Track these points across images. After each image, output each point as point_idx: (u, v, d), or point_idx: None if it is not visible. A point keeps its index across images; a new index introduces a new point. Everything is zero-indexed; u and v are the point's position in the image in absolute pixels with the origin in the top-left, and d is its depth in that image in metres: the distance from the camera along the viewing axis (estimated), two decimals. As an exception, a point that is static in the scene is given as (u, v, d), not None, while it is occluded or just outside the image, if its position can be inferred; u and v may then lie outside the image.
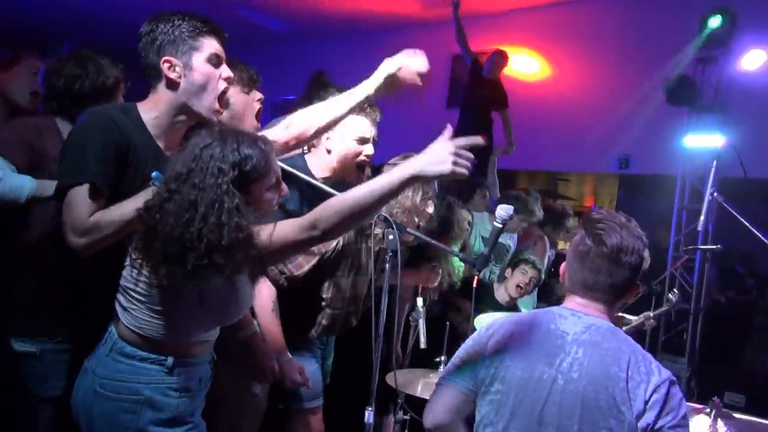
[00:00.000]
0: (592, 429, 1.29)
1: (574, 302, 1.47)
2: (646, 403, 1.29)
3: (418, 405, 2.32)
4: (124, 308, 1.45)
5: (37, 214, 1.75)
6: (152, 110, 1.58)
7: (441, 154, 1.32)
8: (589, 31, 5.90)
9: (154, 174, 1.46)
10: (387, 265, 1.72)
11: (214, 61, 1.59)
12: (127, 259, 1.44)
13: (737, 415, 2.14)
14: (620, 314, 3.29)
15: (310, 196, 1.95)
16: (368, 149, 2.13)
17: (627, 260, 1.39)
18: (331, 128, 1.95)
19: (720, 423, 1.98)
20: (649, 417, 1.28)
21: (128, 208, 1.42)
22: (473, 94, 5.12)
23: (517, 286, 3.29)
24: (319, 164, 2.13)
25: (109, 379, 1.42)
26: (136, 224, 1.37)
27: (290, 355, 1.97)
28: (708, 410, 2.11)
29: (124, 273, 1.46)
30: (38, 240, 1.76)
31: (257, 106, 2.04)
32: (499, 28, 6.29)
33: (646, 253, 1.45)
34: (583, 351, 1.37)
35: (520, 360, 1.40)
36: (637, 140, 5.39)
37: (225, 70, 1.62)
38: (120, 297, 1.47)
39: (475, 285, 2.06)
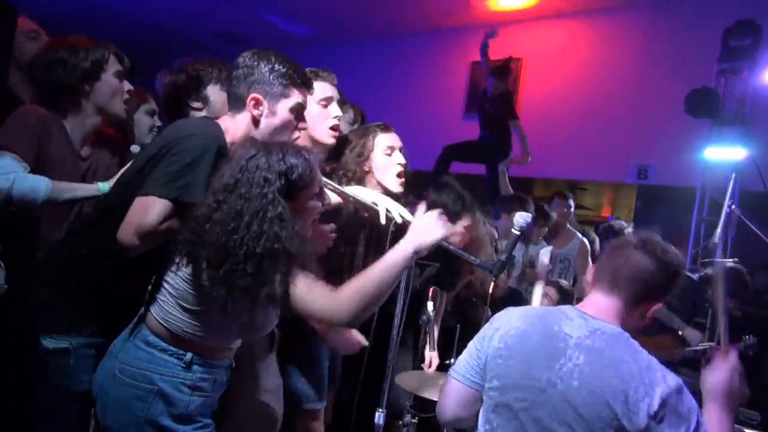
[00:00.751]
0: None
1: (589, 301, 1.46)
2: (653, 417, 1.24)
3: (426, 407, 2.34)
4: (156, 299, 1.51)
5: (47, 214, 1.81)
6: (229, 134, 1.68)
7: (429, 224, 1.51)
8: (613, 40, 5.88)
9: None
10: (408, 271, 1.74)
11: (297, 111, 1.73)
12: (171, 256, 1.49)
13: (748, 431, 2.12)
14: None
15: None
16: (334, 109, 2.15)
17: (658, 253, 1.40)
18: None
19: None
20: (659, 429, 1.24)
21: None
22: (483, 109, 5.17)
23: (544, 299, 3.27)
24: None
25: (128, 365, 1.46)
26: (185, 233, 1.43)
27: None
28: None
29: (166, 269, 1.51)
30: (49, 240, 1.83)
31: None
32: (521, 35, 6.29)
33: (682, 269, 1.45)
34: (585, 357, 1.33)
35: (520, 360, 1.39)
36: (657, 151, 5.35)
37: (302, 120, 1.76)
38: (156, 288, 1.53)
39: (491, 291, 2.06)
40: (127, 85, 2.04)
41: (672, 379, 1.29)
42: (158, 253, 1.52)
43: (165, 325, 1.48)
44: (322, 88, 2.13)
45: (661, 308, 1.47)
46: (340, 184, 2.10)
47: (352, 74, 2.80)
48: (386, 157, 2.22)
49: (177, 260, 1.44)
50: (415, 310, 2.17)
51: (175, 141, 1.55)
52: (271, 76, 1.68)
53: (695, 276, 3.76)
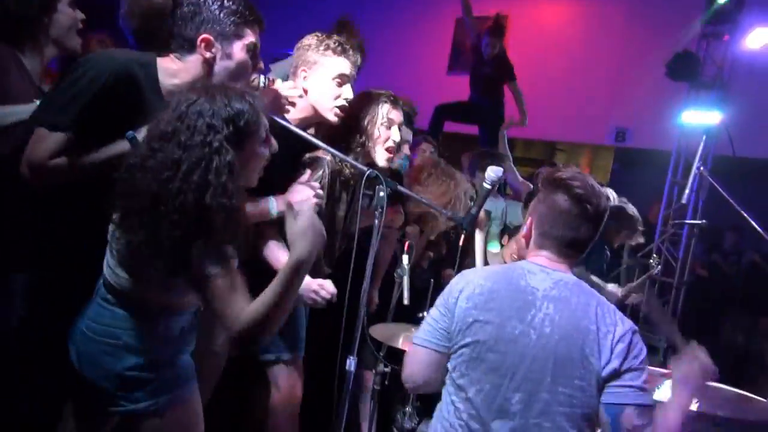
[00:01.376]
0: (563, 380, 1.35)
1: (542, 257, 1.51)
2: (612, 351, 1.35)
3: (398, 357, 2.40)
4: (106, 259, 1.48)
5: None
6: (174, 77, 1.58)
7: (304, 227, 1.33)
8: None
9: (128, 133, 1.44)
10: (376, 221, 1.75)
11: (252, 51, 1.62)
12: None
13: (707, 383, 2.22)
14: (595, 280, 3.39)
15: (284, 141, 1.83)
16: (347, 91, 2.06)
17: (604, 220, 1.49)
18: None
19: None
20: (614, 364, 1.34)
21: (90, 159, 1.46)
22: (477, 72, 4.99)
23: (512, 255, 3.33)
24: (297, 103, 2.03)
25: (93, 322, 1.46)
26: (117, 186, 1.33)
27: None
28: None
29: (110, 228, 1.44)
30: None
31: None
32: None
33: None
34: (554, 306, 1.41)
35: (491, 315, 1.42)
36: (636, 114, 5.40)
37: (258, 61, 1.66)
38: (108, 253, 1.48)
39: (461, 243, 2.10)
40: (80, 14, 1.89)
41: (628, 322, 1.41)
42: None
43: (116, 286, 1.45)
44: (341, 65, 2.04)
45: None
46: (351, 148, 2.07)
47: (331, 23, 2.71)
48: (384, 129, 2.12)
49: (113, 216, 1.37)
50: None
51: (75, 66, 1.49)
52: (221, 14, 1.55)
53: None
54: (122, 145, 1.47)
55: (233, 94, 1.37)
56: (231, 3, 1.57)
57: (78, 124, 1.45)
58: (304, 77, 2.05)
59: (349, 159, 1.89)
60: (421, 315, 2.25)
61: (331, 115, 2.05)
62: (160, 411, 1.48)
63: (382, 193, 1.75)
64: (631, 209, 3.54)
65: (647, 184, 5.58)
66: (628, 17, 5.55)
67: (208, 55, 1.57)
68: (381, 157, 2.14)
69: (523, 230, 1.59)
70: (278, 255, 1.92)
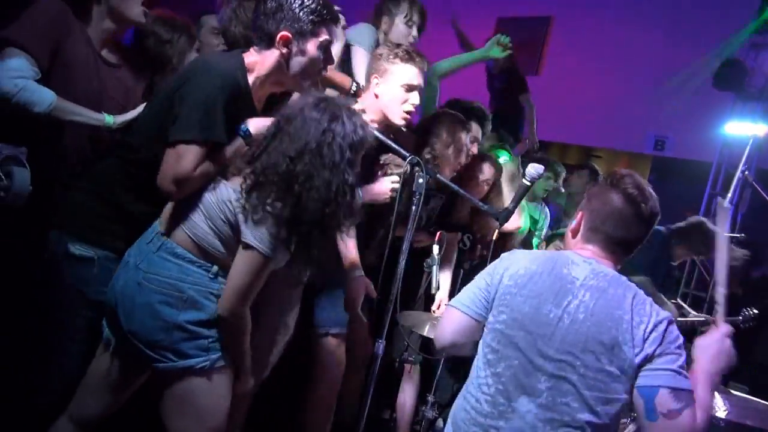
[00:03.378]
0: (592, 363, 1.36)
1: (589, 251, 1.53)
2: (645, 340, 1.35)
3: (425, 346, 2.42)
4: (189, 218, 1.57)
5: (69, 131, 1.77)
6: (251, 70, 1.67)
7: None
8: (642, 3, 5.70)
9: (242, 129, 1.62)
10: (414, 207, 1.78)
11: (325, 48, 1.71)
12: (213, 192, 1.57)
13: (735, 392, 2.19)
14: (680, 303, 3.33)
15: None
16: (414, 98, 2.17)
17: (655, 223, 1.51)
18: None
19: (717, 395, 2.03)
20: (648, 350, 1.34)
21: (220, 159, 1.59)
22: (493, 87, 4.90)
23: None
24: (367, 108, 2.17)
25: (155, 275, 1.54)
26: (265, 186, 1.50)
27: (361, 272, 2.13)
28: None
29: (210, 204, 1.57)
30: (76, 157, 1.82)
31: None
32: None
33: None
34: (590, 295, 1.43)
35: (529, 296, 1.46)
36: (677, 122, 5.28)
37: (331, 59, 1.75)
38: (186, 206, 1.58)
39: (495, 237, 2.11)
40: None
41: (663, 312, 1.41)
42: None
43: (194, 239, 1.56)
44: (411, 73, 2.16)
45: None
46: None
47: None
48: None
49: (244, 198, 1.51)
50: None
51: (190, 78, 1.58)
52: (300, 12, 1.64)
53: (664, 228, 3.70)
54: (238, 142, 1.63)
55: (356, 118, 1.56)
56: (311, 2, 1.65)
57: (212, 132, 1.56)
58: (376, 84, 2.20)
59: (393, 144, 1.93)
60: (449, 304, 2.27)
61: (398, 119, 2.19)
62: (208, 368, 1.55)
63: (420, 180, 1.79)
64: (710, 225, 3.46)
65: (684, 195, 5.45)
66: (672, 22, 5.43)
67: (284, 50, 1.65)
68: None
69: (572, 224, 1.60)
70: (348, 241, 2.15)
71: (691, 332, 3.57)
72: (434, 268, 2.27)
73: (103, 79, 1.85)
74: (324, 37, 1.69)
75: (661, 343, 1.35)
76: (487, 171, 2.82)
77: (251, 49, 1.70)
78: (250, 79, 1.67)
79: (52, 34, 1.71)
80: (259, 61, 1.67)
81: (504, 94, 4.79)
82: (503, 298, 1.49)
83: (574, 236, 1.59)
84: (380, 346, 1.81)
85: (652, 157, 6.04)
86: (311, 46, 1.68)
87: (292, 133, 1.50)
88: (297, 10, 1.64)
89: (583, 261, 1.50)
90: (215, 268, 1.58)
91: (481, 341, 1.53)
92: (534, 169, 1.90)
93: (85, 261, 1.70)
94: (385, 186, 2.13)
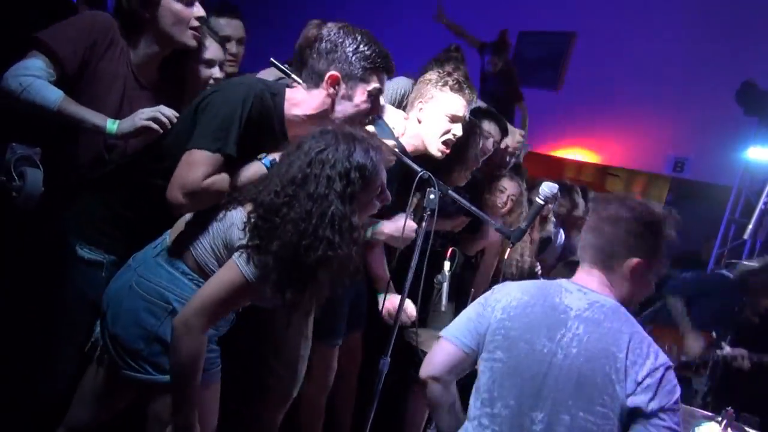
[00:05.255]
0: (585, 404, 1.32)
1: (580, 274, 1.51)
2: (639, 384, 1.30)
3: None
4: (195, 232, 1.53)
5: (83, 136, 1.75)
6: (297, 106, 1.64)
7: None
8: (667, 24, 5.63)
9: (265, 161, 1.58)
10: (424, 223, 1.76)
11: (374, 96, 1.67)
12: (223, 213, 1.51)
13: (749, 429, 2.13)
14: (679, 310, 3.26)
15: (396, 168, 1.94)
16: (457, 129, 2.13)
17: (621, 219, 1.45)
18: None
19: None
20: (641, 399, 1.29)
21: (233, 181, 1.54)
22: (486, 90, 4.77)
23: None
24: (407, 133, 2.14)
25: (146, 279, 1.50)
26: (253, 215, 1.44)
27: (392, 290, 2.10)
28: (719, 419, 2.10)
29: (217, 224, 1.51)
30: (90, 162, 1.79)
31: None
32: (567, 8, 6.08)
33: (658, 219, 1.48)
34: (584, 327, 1.38)
35: (523, 330, 1.42)
36: (697, 144, 5.20)
37: (378, 107, 1.72)
38: (196, 221, 1.54)
39: (506, 257, 2.08)
40: (197, 11, 1.83)
41: (662, 357, 1.35)
42: None
43: (193, 253, 1.52)
44: (458, 104, 2.12)
45: (641, 265, 1.44)
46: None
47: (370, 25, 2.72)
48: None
49: (241, 228, 1.45)
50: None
51: (215, 92, 1.56)
52: (354, 57, 1.61)
53: (729, 273, 3.60)
54: (258, 167, 1.59)
55: (359, 144, 1.45)
56: (366, 48, 1.63)
57: (228, 146, 1.52)
58: (420, 109, 2.16)
59: (405, 159, 1.90)
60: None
61: (435, 150, 2.15)
62: None
63: (432, 196, 1.75)
64: None
65: (702, 218, 5.36)
66: (696, 42, 5.35)
67: (331, 91, 1.63)
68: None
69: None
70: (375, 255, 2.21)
71: (723, 366, 3.48)
72: (444, 285, 2.24)
73: (133, 100, 1.82)
74: (374, 85, 1.66)
75: (656, 393, 1.30)
76: (510, 186, 2.80)
77: (298, 86, 1.67)
78: (292, 112, 1.64)
79: (85, 43, 1.69)
80: (305, 99, 1.64)
81: (495, 96, 4.68)
82: (497, 332, 1.46)
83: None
84: (385, 363, 1.78)
85: (671, 179, 5.96)
86: (359, 92, 1.65)
87: (286, 164, 1.46)
88: (350, 54, 1.61)
89: (577, 289, 1.46)
90: None
91: (477, 379, 1.49)
92: (548, 188, 1.86)
93: (93, 264, 1.69)
94: (399, 224, 1.95)
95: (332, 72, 1.61)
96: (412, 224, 1.96)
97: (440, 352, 1.56)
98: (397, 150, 1.92)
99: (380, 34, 1.74)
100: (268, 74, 2.22)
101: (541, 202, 1.88)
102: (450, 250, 2.22)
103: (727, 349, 3.37)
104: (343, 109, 1.65)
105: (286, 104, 1.65)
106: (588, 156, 6.16)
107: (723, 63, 4.95)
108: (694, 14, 5.43)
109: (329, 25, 1.66)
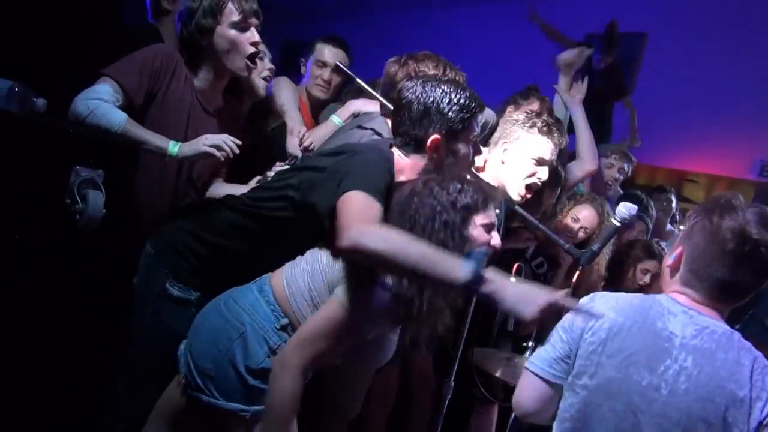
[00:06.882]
0: None
1: (689, 297, 1.30)
2: (762, 422, 1.15)
3: (496, 386, 2.29)
4: (294, 267, 1.52)
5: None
6: (402, 175, 1.57)
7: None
8: (749, 20, 5.26)
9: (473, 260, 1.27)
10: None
11: (474, 141, 1.63)
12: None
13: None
14: None
15: None
16: (543, 173, 2.04)
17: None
18: None
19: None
20: None
21: (419, 249, 1.25)
22: (591, 86, 4.60)
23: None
24: (487, 174, 2.06)
25: (234, 300, 1.51)
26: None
27: None
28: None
29: (325, 262, 1.49)
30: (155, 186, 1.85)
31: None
32: (636, 8, 5.78)
33: None
34: (693, 359, 1.21)
35: (616, 357, 1.26)
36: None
37: (478, 149, 1.66)
38: (304, 264, 1.53)
39: (575, 280, 1.94)
40: (253, 36, 1.84)
41: None
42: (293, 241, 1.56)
43: (286, 288, 1.50)
44: (544, 146, 2.04)
45: None
46: None
47: (419, 45, 2.65)
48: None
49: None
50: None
51: (354, 149, 1.54)
52: (450, 113, 1.53)
53: None
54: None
55: (468, 184, 1.44)
56: (458, 97, 1.55)
57: (381, 197, 1.42)
58: (504, 149, 2.07)
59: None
60: (526, 344, 2.13)
61: (516, 193, 2.04)
62: (249, 417, 1.47)
63: (498, 211, 1.67)
64: None
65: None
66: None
67: (435, 156, 1.56)
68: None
69: (670, 259, 1.36)
70: None
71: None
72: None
73: (199, 126, 1.85)
74: (474, 131, 1.60)
75: None
76: (585, 218, 2.60)
77: (397, 150, 1.60)
78: (398, 179, 1.58)
79: (150, 73, 1.74)
80: (408, 165, 1.57)
81: (601, 95, 4.43)
82: (587, 358, 1.30)
83: (671, 275, 1.34)
84: (449, 386, 1.71)
85: (757, 184, 5.54)
86: (463, 144, 1.59)
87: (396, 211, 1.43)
88: (446, 110, 1.53)
89: (682, 311, 1.27)
90: (285, 321, 1.49)
91: (561, 403, 1.36)
92: (626, 209, 1.74)
93: (183, 302, 1.69)
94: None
95: (433, 136, 1.53)
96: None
97: (527, 386, 1.42)
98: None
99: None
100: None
101: (618, 224, 1.76)
102: (516, 265, 2.11)
103: None
104: (450, 161, 1.58)
105: (396, 171, 1.57)
106: (661, 160, 5.82)
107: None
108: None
109: (407, 84, 1.56)
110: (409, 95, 1.55)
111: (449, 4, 7.10)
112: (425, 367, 2.40)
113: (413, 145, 1.56)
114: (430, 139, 1.53)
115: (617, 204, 1.80)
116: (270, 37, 2.23)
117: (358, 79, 2.12)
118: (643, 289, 2.77)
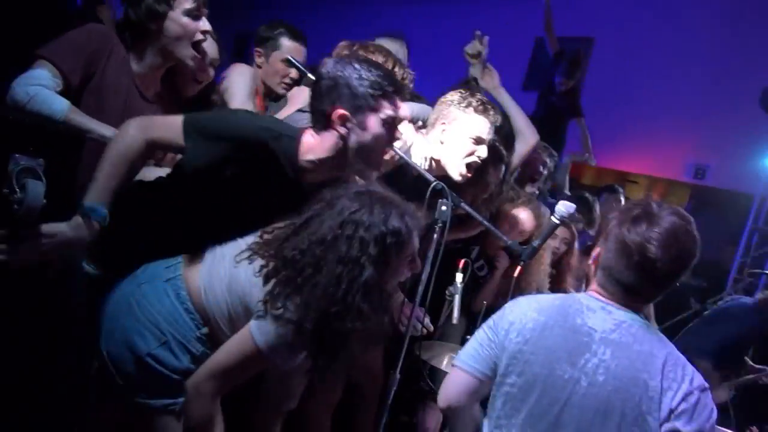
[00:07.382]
0: None
1: (607, 293, 1.37)
2: (672, 411, 1.22)
3: (443, 379, 2.34)
4: (212, 274, 1.46)
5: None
6: (312, 153, 1.56)
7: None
8: (688, 27, 5.52)
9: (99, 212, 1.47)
10: (435, 235, 1.71)
11: (390, 123, 1.56)
12: (241, 259, 1.45)
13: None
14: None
15: (411, 183, 1.86)
16: (482, 151, 2.07)
17: (681, 273, 1.32)
18: None
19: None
20: (674, 425, 1.22)
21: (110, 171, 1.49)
22: (549, 101, 4.70)
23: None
24: (425, 151, 2.08)
25: (148, 302, 1.44)
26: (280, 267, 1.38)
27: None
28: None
29: (235, 272, 1.45)
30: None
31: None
32: (585, 12, 5.99)
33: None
34: (611, 352, 1.28)
35: (540, 354, 1.33)
36: (719, 151, 5.09)
37: (396, 134, 1.61)
38: (217, 262, 1.48)
39: (516, 274, 2.02)
40: (203, 25, 1.82)
41: (698, 379, 1.27)
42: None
43: (203, 295, 1.45)
44: (481, 126, 2.05)
45: None
46: None
47: (410, 36, 2.68)
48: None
49: (258, 268, 1.40)
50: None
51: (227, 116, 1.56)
52: (359, 87, 1.49)
53: (749, 300, 3.49)
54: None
55: (394, 209, 1.39)
56: (370, 73, 1.51)
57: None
58: (442, 130, 2.09)
59: (420, 168, 1.86)
60: (469, 337, 2.19)
61: (457, 173, 2.08)
62: (178, 410, 1.44)
63: (444, 207, 1.70)
64: None
65: (723, 226, 5.24)
66: (718, 46, 5.24)
67: (342, 130, 1.53)
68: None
69: (591, 258, 1.45)
70: None
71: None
72: (456, 297, 2.19)
73: (135, 111, 1.79)
74: (387, 112, 1.54)
75: (691, 418, 1.22)
76: (525, 222, 2.62)
77: (309, 132, 1.58)
78: (307, 158, 1.56)
79: (86, 54, 1.69)
80: (318, 143, 1.55)
81: (557, 112, 4.62)
82: (512, 357, 1.36)
83: (594, 272, 1.43)
84: (394, 378, 1.74)
85: (691, 186, 5.84)
86: (372, 122, 1.53)
87: (316, 222, 1.39)
88: (355, 85, 1.49)
89: (600, 308, 1.35)
90: (205, 330, 1.46)
91: (490, 402, 1.42)
92: (564, 207, 1.81)
93: (96, 281, 1.63)
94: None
95: (339, 110, 1.50)
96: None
97: (454, 381, 1.49)
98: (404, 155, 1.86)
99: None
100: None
101: (557, 222, 1.83)
102: (462, 261, 2.17)
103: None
104: (358, 139, 1.54)
105: (300, 149, 1.56)
106: (607, 162, 6.06)
107: (745, 69, 4.84)
108: (716, 19, 5.32)
109: (323, 61, 1.56)
110: (322, 70, 1.54)
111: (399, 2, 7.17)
112: (373, 361, 2.42)
113: (322, 121, 1.54)
114: (334, 113, 1.50)
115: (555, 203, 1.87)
116: (223, 29, 2.21)
117: (309, 74, 2.12)
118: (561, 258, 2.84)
